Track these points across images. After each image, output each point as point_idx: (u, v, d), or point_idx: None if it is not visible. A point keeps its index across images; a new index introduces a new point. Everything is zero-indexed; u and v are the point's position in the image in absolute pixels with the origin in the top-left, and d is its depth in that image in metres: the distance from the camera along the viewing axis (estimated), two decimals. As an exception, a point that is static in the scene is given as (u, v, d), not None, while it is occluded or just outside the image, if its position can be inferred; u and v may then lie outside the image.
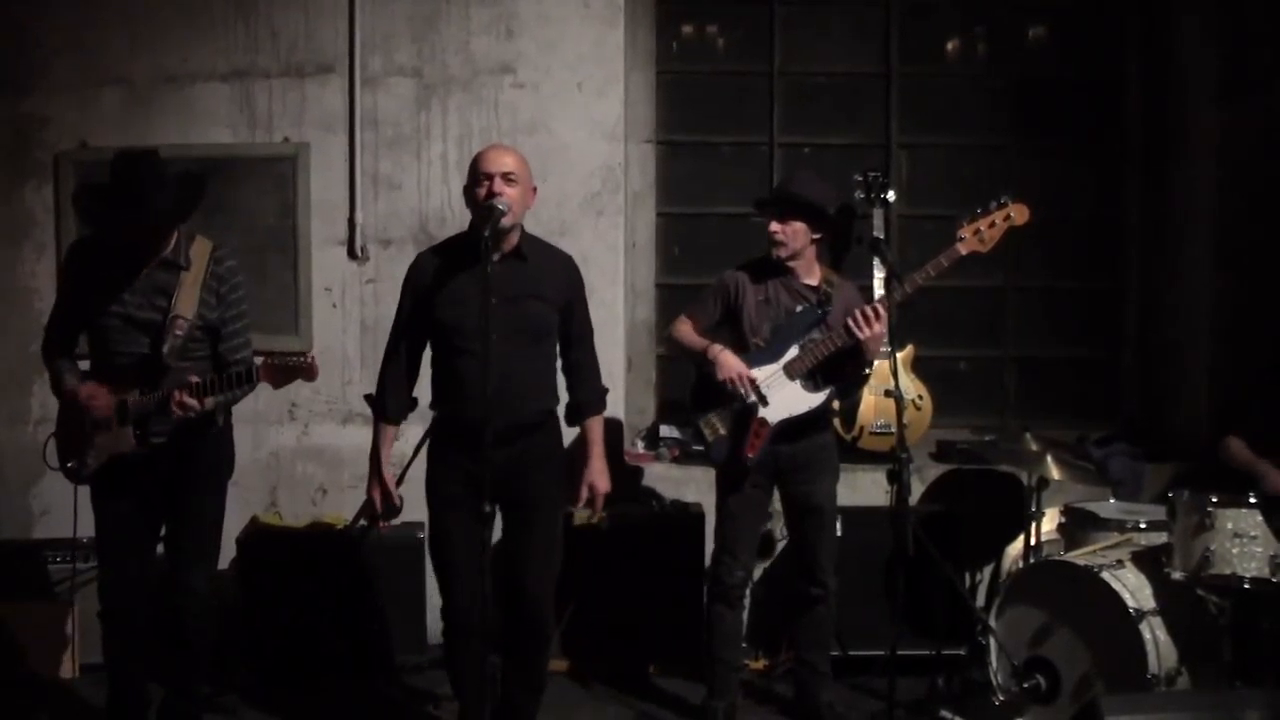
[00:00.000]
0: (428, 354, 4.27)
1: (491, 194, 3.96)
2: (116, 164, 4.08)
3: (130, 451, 4.11)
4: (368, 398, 4.34)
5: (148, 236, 4.08)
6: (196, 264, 4.15)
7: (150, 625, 4.29)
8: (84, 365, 4.30)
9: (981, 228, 4.44)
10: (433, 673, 5.12)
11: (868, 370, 4.80)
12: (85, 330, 4.23)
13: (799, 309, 4.60)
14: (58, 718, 4.94)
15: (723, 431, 4.55)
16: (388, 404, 4.25)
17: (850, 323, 4.43)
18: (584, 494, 4.31)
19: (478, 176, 4.04)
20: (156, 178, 4.06)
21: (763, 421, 4.51)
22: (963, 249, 4.45)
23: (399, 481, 4.40)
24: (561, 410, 4.32)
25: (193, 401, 3.95)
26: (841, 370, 4.62)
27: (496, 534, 4.14)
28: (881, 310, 4.39)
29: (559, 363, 4.31)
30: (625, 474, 5.81)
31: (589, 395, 4.34)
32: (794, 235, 4.57)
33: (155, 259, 4.12)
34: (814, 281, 4.66)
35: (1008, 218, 4.43)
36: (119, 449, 4.12)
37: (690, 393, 4.70)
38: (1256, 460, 4.77)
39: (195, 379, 3.97)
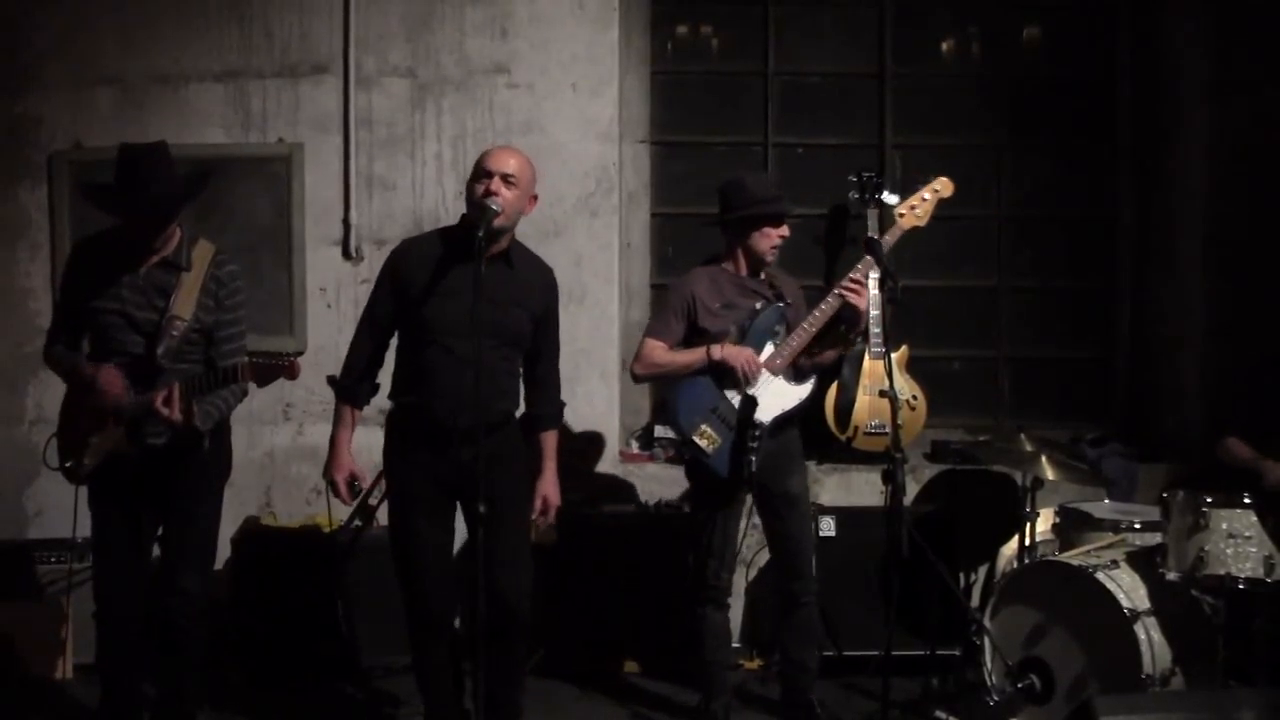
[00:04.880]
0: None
1: (489, 193, 3.97)
2: (121, 155, 4.09)
3: (125, 451, 4.11)
4: (331, 380, 4.31)
5: (151, 224, 4.06)
6: (197, 266, 4.15)
7: (144, 627, 4.28)
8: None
9: (915, 204, 4.70)
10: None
11: (858, 339, 4.89)
12: (87, 329, 4.22)
13: (758, 305, 4.63)
14: (52, 718, 4.92)
15: (719, 440, 4.53)
16: (354, 387, 4.24)
17: (845, 293, 4.50)
18: (538, 505, 4.32)
19: (479, 173, 4.06)
20: (159, 166, 4.08)
21: (756, 423, 4.52)
22: (904, 224, 4.68)
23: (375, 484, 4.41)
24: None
25: (165, 411, 3.95)
26: (830, 343, 4.69)
27: (461, 533, 4.17)
28: (863, 280, 4.55)
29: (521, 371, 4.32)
30: (619, 474, 5.83)
31: (549, 409, 4.38)
32: None
33: (156, 258, 4.12)
34: (761, 276, 4.72)
35: (935, 190, 4.73)
36: (114, 448, 4.12)
37: (669, 409, 4.65)
38: (1258, 456, 4.78)
39: (177, 384, 3.97)
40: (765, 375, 4.54)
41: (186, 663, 4.33)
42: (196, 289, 4.12)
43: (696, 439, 4.53)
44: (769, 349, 4.57)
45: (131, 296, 4.10)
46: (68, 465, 4.22)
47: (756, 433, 4.48)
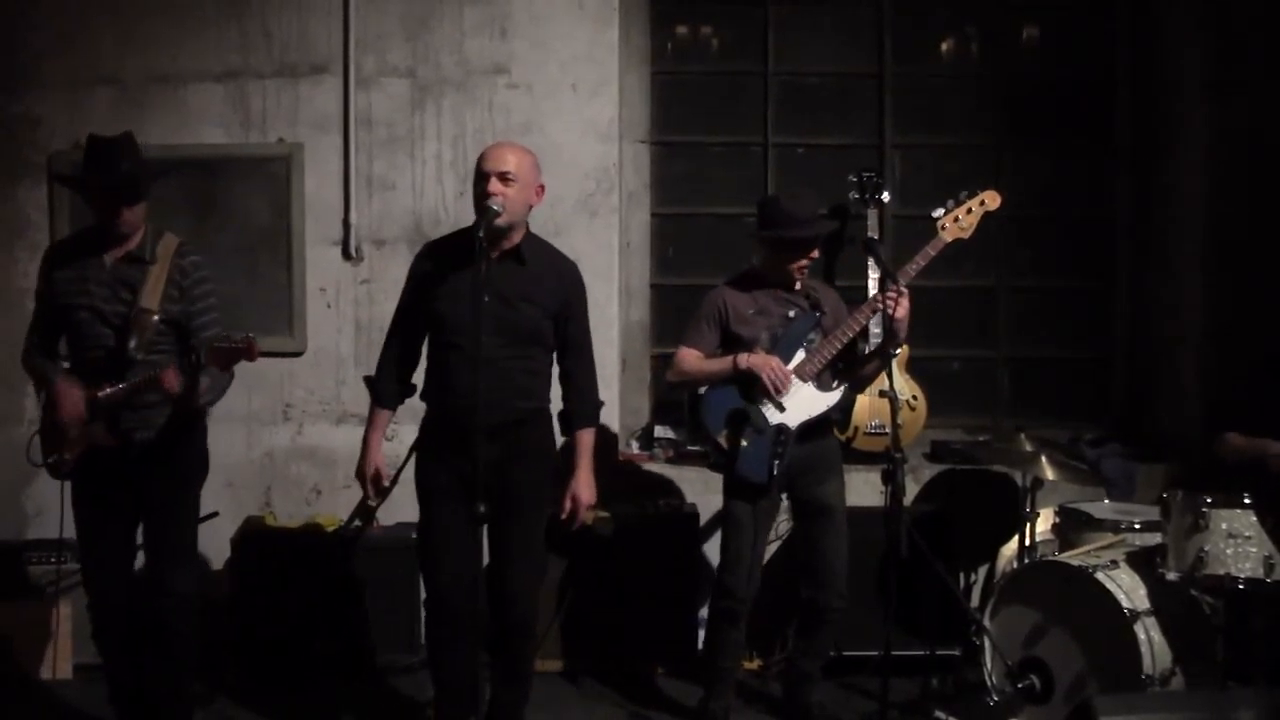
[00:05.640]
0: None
1: (487, 194, 3.97)
2: (89, 144, 4.15)
3: (104, 444, 4.13)
4: (366, 379, 4.38)
5: (124, 200, 4.10)
6: (162, 259, 4.19)
7: (137, 622, 4.29)
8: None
9: (960, 215, 4.61)
10: (424, 674, 5.10)
11: (896, 351, 4.75)
12: (62, 328, 4.26)
13: (791, 314, 4.64)
14: (45, 718, 4.92)
15: (744, 443, 4.52)
16: (383, 388, 4.29)
17: (882, 305, 4.44)
18: (567, 504, 4.29)
19: (478, 174, 4.07)
20: (126, 149, 4.15)
21: (783, 428, 4.51)
22: (947, 237, 4.60)
23: (394, 481, 4.40)
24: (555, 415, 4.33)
25: (173, 388, 4.00)
26: (863, 360, 4.74)
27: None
28: (904, 289, 4.43)
29: (554, 369, 4.30)
30: (619, 474, 5.82)
31: (581, 406, 4.34)
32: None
33: (121, 251, 4.17)
34: (797, 286, 4.70)
35: (982, 203, 4.63)
36: (93, 442, 4.14)
37: (695, 410, 4.64)
38: (1256, 441, 4.73)
39: (174, 364, 4.03)
40: (795, 382, 4.54)
41: (182, 664, 4.33)
42: (161, 281, 4.16)
43: (722, 441, 4.55)
44: (800, 356, 4.57)
45: (99, 291, 4.15)
46: (50, 461, 4.24)
47: (783, 438, 4.49)
